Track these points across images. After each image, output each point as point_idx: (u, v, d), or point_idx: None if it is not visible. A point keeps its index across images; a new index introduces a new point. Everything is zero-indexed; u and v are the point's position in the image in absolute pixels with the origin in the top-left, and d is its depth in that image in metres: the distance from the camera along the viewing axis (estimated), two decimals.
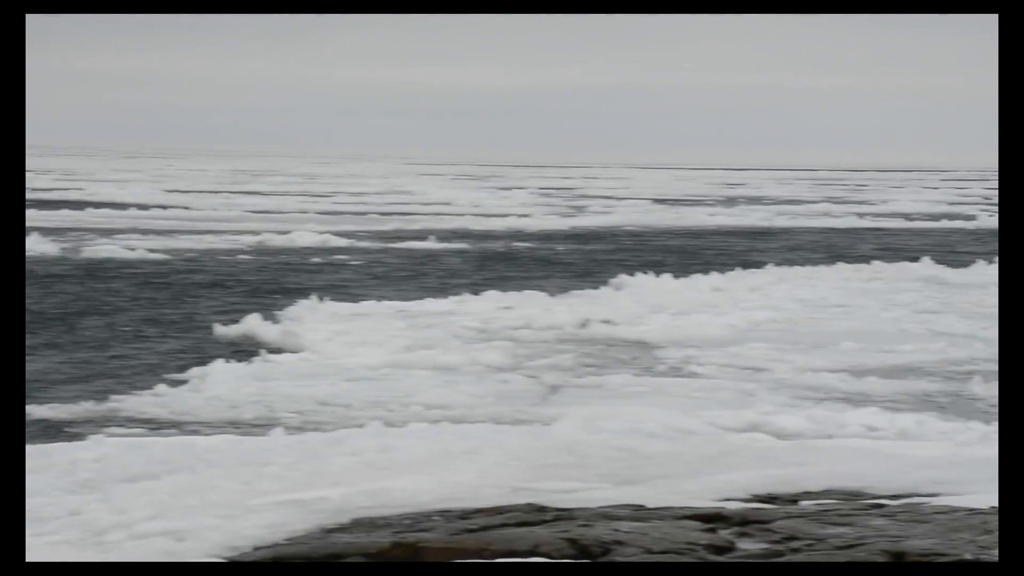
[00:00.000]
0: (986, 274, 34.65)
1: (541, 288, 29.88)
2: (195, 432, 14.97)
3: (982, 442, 13.56)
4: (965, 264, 37.07)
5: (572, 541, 8.69)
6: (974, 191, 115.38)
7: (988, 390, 17.80)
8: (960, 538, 8.61)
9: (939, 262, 36.63)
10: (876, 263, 37.08)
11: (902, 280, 32.78)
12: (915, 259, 37.42)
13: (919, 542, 8.52)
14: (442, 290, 30.44)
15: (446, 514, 9.70)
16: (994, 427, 14.97)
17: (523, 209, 71.41)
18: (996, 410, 16.66)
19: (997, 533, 8.67)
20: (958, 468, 11.38)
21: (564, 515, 9.48)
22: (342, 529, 9.42)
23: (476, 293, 28.19)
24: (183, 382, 18.15)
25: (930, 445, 13.38)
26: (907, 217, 69.54)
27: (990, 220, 65.09)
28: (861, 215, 69.70)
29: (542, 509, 9.72)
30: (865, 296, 28.92)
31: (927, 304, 27.54)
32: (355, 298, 28.43)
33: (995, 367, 19.89)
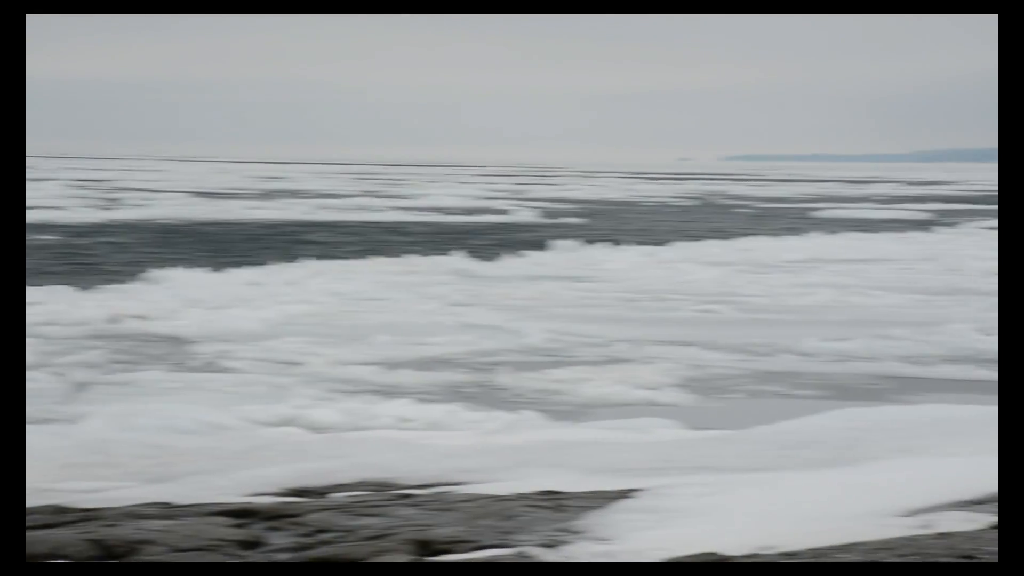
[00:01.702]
0: (512, 267, 35.97)
1: (68, 283, 28.98)
2: None
3: (507, 431, 14.04)
4: (493, 258, 38.34)
5: (95, 542, 8.45)
6: (503, 186, 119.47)
7: (514, 380, 18.44)
8: (484, 525, 8.87)
9: (470, 256, 37.75)
10: (411, 257, 37.86)
11: (435, 273, 33.57)
12: (447, 253, 38.41)
13: (445, 530, 8.73)
14: None
15: None
16: (520, 415, 15.52)
17: (54, 201, 69.10)
18: (520, 399, 17.28)
19: (518, 519, 8.98)
20: (484, 456, 11.74)
21: (89, 516, 9.22)
22: None
23: None
24: None
25: (458, 435, 13.74)
26: (443, 211, 71.29)
27: (520, 214, 67.53)
28: (399, 209, 70.99)
29: (64, 510, 9.42)
30: (399, 289, 29.44)
31: (458, 297, 28.30)
32: None
33: (520, 357, 20.64)
